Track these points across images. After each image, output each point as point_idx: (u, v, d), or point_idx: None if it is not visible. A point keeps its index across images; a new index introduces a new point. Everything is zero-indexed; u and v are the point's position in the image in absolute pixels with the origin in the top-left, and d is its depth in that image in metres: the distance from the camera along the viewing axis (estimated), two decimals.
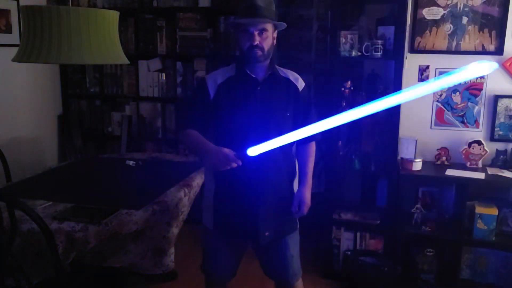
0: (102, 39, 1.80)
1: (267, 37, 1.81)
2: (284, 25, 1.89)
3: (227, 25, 3.50)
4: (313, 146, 2.07)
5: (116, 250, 2.19)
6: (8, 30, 3.29)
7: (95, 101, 3.96)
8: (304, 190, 1.98)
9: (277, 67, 1.96)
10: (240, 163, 1.67)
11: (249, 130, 1.82)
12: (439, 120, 2.95)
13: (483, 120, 2.89)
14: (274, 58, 1.92)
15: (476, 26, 2.79)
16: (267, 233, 1.91)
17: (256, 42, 1.79)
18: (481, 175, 2.66)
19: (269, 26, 1.82)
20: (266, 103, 1.87)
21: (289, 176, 1.99)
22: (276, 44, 1.92)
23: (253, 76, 1.87)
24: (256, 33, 1.78)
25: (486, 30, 2.78)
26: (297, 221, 2.05)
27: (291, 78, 1.94)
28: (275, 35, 1.89)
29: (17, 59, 1.85)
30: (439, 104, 2.94)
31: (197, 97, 1.93)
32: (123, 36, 3.64)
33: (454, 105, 2.92)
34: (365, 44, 2.73)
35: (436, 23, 2.84)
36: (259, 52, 1.80)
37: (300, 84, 1.95)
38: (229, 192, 1.91)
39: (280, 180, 1.94)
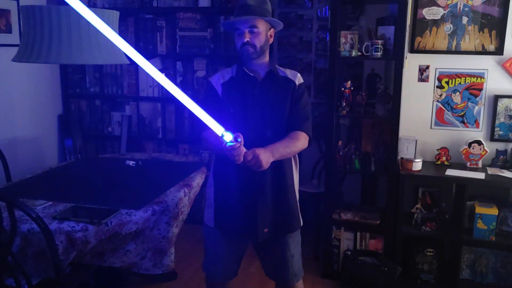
0: (102, 39, 1.80)
1: (258, 34, 1.84)
2: (278, 22, 1.90)
3: (222, 26, 3.45)
4: (299, 135, 1.88)
5: (116, 250, 2.19)
6: (8, 30, 3.28)
7: (95, 101, 3.96)
8: (262, 149, 1.72)
9: (277, 66, 1.98)
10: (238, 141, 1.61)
11: (248, 128, 1.85)
12: (439, 120, 2.95)
13: (483, 120, 2.89)
14: (273, 57, 1.93)
15: (476, 26, 2.79)
16: (266, 230, 1.91)
17: (247, 39, 1.83)
18: (481, 175, 2.66)
19: (260, 24, 1.84)
20: (265, 101, 1.89)
21: (288, 171, 1.96)
22: (273, 43, 1.92)
23: (252, 75, 1.90)
24: (246, 30, 1.83)
25: (486, 30, 2.78)
26: (300, 220, 2.03)
27: (289, 75, 1.95)
28: (271, 33, 1.91)
29: (17, 59, 1.85)
30: (439, 104, 2.94)
31: (208, 98, 1.96)
32: (123, 36, 3.62)
33: (454, 105, 2.92)
34: (365, 44, 2.73)
35: (436, 23, 2.84)
36: (251, 49, 1.84)
37: (298, 80, 1.96)
38: (228, 189, 1.93)
39: (279, 176, 1.93)
